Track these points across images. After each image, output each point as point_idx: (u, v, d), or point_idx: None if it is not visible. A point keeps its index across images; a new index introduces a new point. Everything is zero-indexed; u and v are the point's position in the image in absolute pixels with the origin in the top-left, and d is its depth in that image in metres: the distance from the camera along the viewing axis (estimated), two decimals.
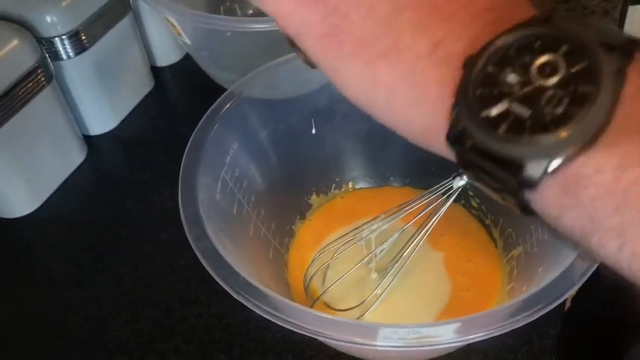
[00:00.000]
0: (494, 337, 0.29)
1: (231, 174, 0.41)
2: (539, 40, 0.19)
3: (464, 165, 0.21)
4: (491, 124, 0.19)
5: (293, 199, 0.49)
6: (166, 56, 0.66)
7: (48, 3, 0.51)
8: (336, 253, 0.44)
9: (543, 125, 0.18)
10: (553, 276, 0.31)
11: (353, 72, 0.23)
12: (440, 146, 0.22)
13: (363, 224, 0.44)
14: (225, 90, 0.43)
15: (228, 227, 0.38)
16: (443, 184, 0.41)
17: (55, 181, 0.55)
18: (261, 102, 0.44)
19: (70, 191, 0.55)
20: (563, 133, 0.18)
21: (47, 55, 0.51)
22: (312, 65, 0.31)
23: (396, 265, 0.42)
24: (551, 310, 0.30)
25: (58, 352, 0.44)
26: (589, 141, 0.18)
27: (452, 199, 0.41)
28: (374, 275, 0.45)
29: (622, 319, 0.41)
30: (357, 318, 0.42)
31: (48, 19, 0.51)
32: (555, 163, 0.18)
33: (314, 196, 0.50)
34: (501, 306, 0.31)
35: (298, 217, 0.49)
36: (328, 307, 0.43)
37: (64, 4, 0.52)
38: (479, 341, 0.30)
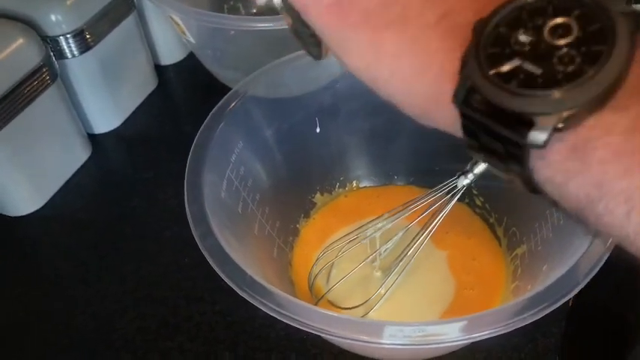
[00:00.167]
0: (498, 335, 0.30)
1: (237, 172, 0.41)
2: (551, 5, 0.19)
3: (468, 130, 0.21)
4: (501, 79, 0.19)
5: (297, 198, 0.49)
6: (170, 55, 0.66)
7: (53, 2, 0.51)
8: (340, 251, 0.44)
9: (555, 81, 0.18)
10: (558, 274, 0.31)
11: (358, 41, 0.23)
12: (443, 115, 0.22)
13: (367, 223, 0.44)
14: (228, 89, 0.43)
15: (233, 225, 0.38)
16: (447, 183, 0.41)
17: (60, 179, 0.56)
18: (266, 100, 0.45)
19: (74, 189, 0.56)
20: (575, 89, 0.18)
21: (52, 54, 0.51)
22: (316, 56, 0.31)
23: (401, 263, 0.42)
24: (555, 308, 0.30)
25: (63, 349, 0.44)
26: (600, 100, 0.18)
27: (456, 198, 0.41)
28: (378, 274, 0.45)
29: (626, 317, 0.41)
30: (362, 316, 0.42)
31: (53, 17, 0.51)
32: (565, 119, 0.18)
33: (318, 195, 0.50)
34: (507, 304, 0.31)
35: (302, 215, 0.49)
36: (332, 305, 0.43)
37: (68, 2, 0.52)
38: (483, 340, 0.30)
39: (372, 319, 0.42)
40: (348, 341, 0.30)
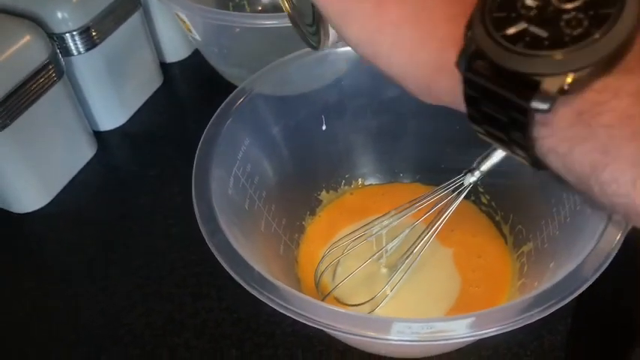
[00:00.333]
0: (505, 332, 0.30)
1: (243, 169, 0.41)
2: None
3: (471, 98, 0.20)
4: (508, 40, 0.19)
5: (303, 195, 0.49)
6: (175, 52, 0.66)
7: None
8: (346, 249, 0.44)
9: (562, 43, 0.18)
10: (566, 271, 0.31)
11: (361, 11, 0.23)
12: (445, 85, 0.22)
13: (373, 220, 0.44)
14: (234, 86, 0.43)
15: (240, 222, 0.38)
16: (454, 181, 0.41)
17: (66, 176, 0.56)
18: (272, 98, 0.45)
19: (80, 186, 0.56)
20: (581, 50, 0.18)
21: (58, 51, 0.52)
22: (314, 46, 0.31)
23: (407, 261, 0.42)
24: (561, 306, 0.30)
25: (71, 345, 0.44)
26: (607, 63, 0.17)
27: (463, 196, 0.41)
28: (384, 271, 0.45)
29: (632, 314, 0.41)
30: (368, 313, 0.42)
31: (59, 14, 0.52)
32: (571, 81, 0.18)
33: (324, 192, 0.50)
34: (515, 301, 0.31)
35: (308, 213, 0.49)
36: (339, 302, 0.43)
37: (75, 0, 0.52)
38: (489, 337, 0.30)
39: (379, 315, 0.42)
40: (356, 337, 0.31)
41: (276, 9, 0.63)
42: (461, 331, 0.30)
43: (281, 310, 0.31)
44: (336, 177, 0.50)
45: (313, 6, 0.28)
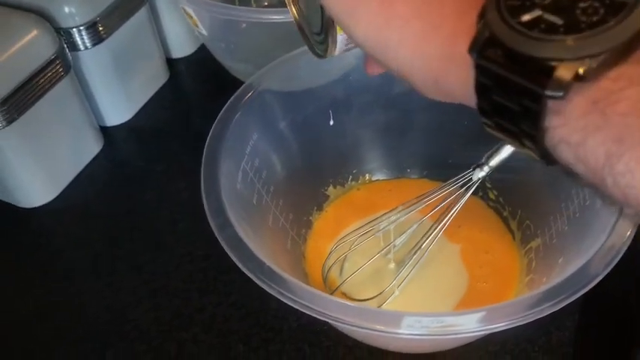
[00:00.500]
0: (512, 328, 0.29)
1: (252, 164, 0.41)
2: None
3: (482, 88, 0.20)
4: (523, 26, 0.19)
5: (310, 190, 0.49)
6: (181, 48, 0.66)
7: None
8: (353, 244, 0.44)
9: (578, 29, 0.18)
10: (576, 266, 0.31)
11: (368, 8, 0.23)
12: (454, 77, 0.21)
13: (380, 216, 0.44)
14: (239, 82, 0.43)
15: (249, 216, 0.38)
16: (462, 176, 0.41)
17: (72, 171, 0.56)
18: (280, 93, 0.45)
19: (86, 181, 0.56)
20: (598, 36, 0.17)
21: (65, 46, 0.51)
22: (320, 55, 0.31)
23: (415, 256, 0.42)
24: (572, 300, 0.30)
25: (77, 340, 0.44)
26: (622, 50, 0.17)
27: (471, 191, 0.41)
28: (391, 266, 0.45)
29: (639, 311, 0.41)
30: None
31: (66, 9, 0.52)
32: (587, 67, 0.17)
33: (331, 188, 0.50)
34: (525, 296, 0.31)
35: (315, 208, 0.49)
36: (346, 297, 0.43)
37: None
38: (497, 332, 0.30)
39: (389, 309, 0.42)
40: (366, 331, 0.30)
41: (282, 4, 0.63)
42: (471, 325, 0.30)
43: (291, 304, 0.31)
44: (343, 172, 0.50)
45: (322, 12, 0.28)
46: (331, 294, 0.43)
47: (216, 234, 0.34)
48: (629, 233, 0.32)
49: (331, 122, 0.47)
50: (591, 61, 0.17)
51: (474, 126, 0.43)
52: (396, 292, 0.42)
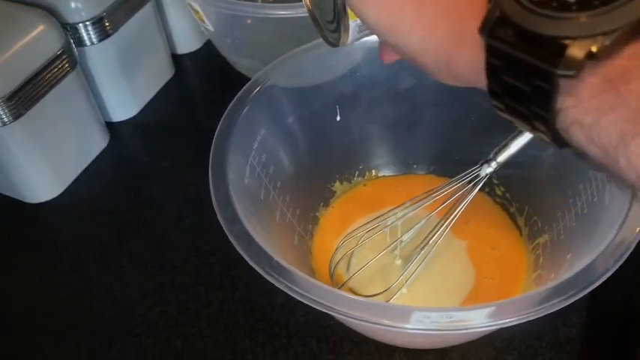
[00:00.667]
0: (519, 324, 0.29)
1: (259, 159, 0.41)
2: None
3: (492, 69, 0.20)
4: (534, 4, 0.18)
5: (317, 186, 0.49)
6: (187, 44, 0.66)
7: None
8: (360, 240, 0.44)
9: (591, 6, 0.17)
10: (586, 262, 0.31)
11: None
12: (465, 58, 0.21)
13: (387, 212, 0.44)
14: (245, 78, 0.43)
15: (256, 211, 0.38)
16: (469, 172, 0.41)
17: (79, 166, 0.56)
18: (287, 89, 0.44)
19: (92, 177, 0.56)
20: (611, 13, 0.17)
21: (72, 41, 0.51)
22: (333, 43, 0.31)
23: (422, 252, 0.42)
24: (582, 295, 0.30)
25: (85, 335, 0.44)
26: (636, 28, 0.17)
27: (479, 187, 0.41)
28: (398, 262, 0.45)
29: None
30: None
31: (72, 4, 0.51)
32: (600, 44, 0.17)
33: (337, 184, 0.50)
34: (535, 291, 0.31)
35: (322, 204, 0.49)
36: (353, 293, 0.43)
37: None
38: (504, 328, 0.30)
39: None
40: (374, 326, 0.30)
41: None
42: (480, 320, 0.30)
43: (300, 299, 0.31)
44: (350, 168, 0.50)
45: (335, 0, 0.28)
46: (338, 290, 0.43)
47: (225, 229, 0.34)
48: (639, 229, 0.31)
49: (338, 118, 0.47)
50: (604, 38, 0.17)
51: (482, 122, 0.43)
52: (404, 289, 0.42)
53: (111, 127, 0.59)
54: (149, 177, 0.56)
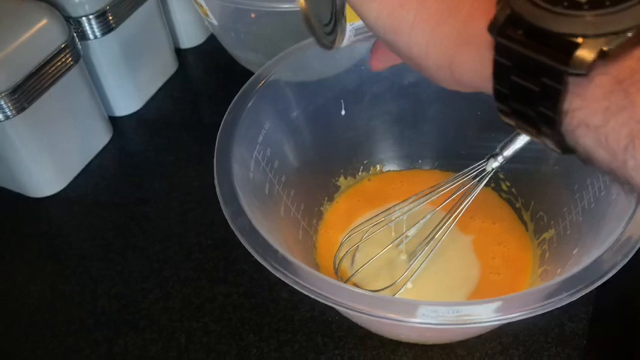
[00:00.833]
0: (525, 319, 0.29)
1: (263, 154, 0.41)
2: None
3: (499, 70, 0.20)
4: (546, 2, 0.18)
5: (321, 181, 0.48)
6: (190, 38, 0.66)
7: None
8: (365, 234, 0.43)
9: (602, 5, 0.17)
10: (593, 257, 0.31)
11: None
12: (470, 60, 0.21)
13: (392, 206, 0.44)
14: (248, 72, 0.43)
15: (261, 206, 0.38)
16: (475, 167, 0.41)
17: (82, 161, 0.56)
18: (292, 83, 0.44)
19: (96, 172, 0.56)
20: (623, 12, 0.17)
21: (75, 35, 0.51)
22: (327, 46, 0.30)
23: (427, 247, 0.42)
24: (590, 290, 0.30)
25: (88, 330, 0.44)
26: None
27: (485, 182, 0.40)
28: (403, 258, 0.45)
29: None
30: None
31: None
32: (612, 43, 0.17)
33: (342, 178, 0.50)
34: (542, 285, 0.30)
35: (326, 198, 0.49)
36: (358, 288, 0.43)
37: None
38: (509, 324, 0.30)
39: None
40: (380, 320, 0.30)
41: None
42: (487, 315, 0.29)
43: (306, 293, 0.30)
44: (355, 163, 0.50)
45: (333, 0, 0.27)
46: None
47: (230, 223, 0.34)
48: None
49: (343, 112, 0.47)
50: (616, 37, 0.17)
51: (487, 117, 0.43)
52: (409, 284, 0.42)
53: (114, 121, 0.59)
54: (152, 171, 0.55)
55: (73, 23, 0.52)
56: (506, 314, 0.29)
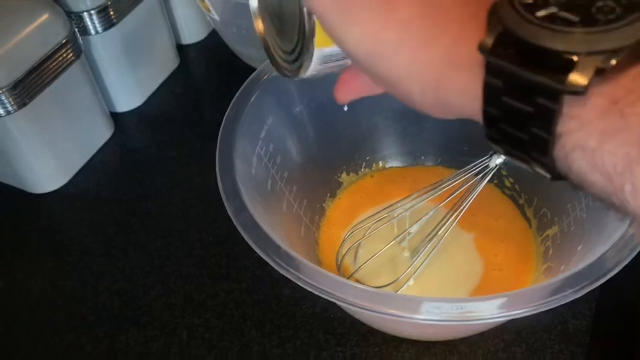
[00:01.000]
0: (528, 316, 0.29)
1: (266, 149, 0.41)
2: None
3: (490, 92, 0.19)
4: (540, 19, 0.18)
5: (324, 177, 0.48)
6: (192, 34, 0.66)
7: None
8: (367, 231, 0.43)
9: (595, 23, 0.17)
10: (599, 253, 0.30)
11: (368, 8, 0.21)
12: (457, 83, 0.20)
13: (394, 203, 0.44)
14: (250, 68, 0.43)
15: (263, 201, 0.38)
16: (478, 163, 0.41)
17: (83, 157, 0.56)
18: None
19: (97, 167, 0.56)
20: (619, 29, 0.17)
21: (76, 30, 0.51)
22: (290, 74, 0.28)
23: (430, 244, 0.42)
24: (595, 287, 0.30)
25: (90, 326, 0.44)
26: None
27: (488, 178, 0.40)
28: (406, 254, 0.45)
29: None
30: None
31: None
32: (608, 61, 0.17)
33: (344, 175, 0.49)
34: (547, 282, 0.30)
35: (328, 195, 0.48)
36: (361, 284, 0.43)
37: None
38: (512, 321, 0.29)
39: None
40: (384, 317, 0.30)
41: None
42: (491, 311, 0.29)
43: (309, 289, 0.30)
44: (357, 159, 0.50)
45: (300, 22, 0.25)
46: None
47: (232, 218, 0.33)
48: None
49: (345, 108, 0.46)
50: (613, 55, 0.17)
51: None
52: (411, 281, 0.42)
53: (115, 117, 0.59)
54: (154, 167, 0.55)
55: (74, 18, 0.52)
56: (511, 311, 0.29)
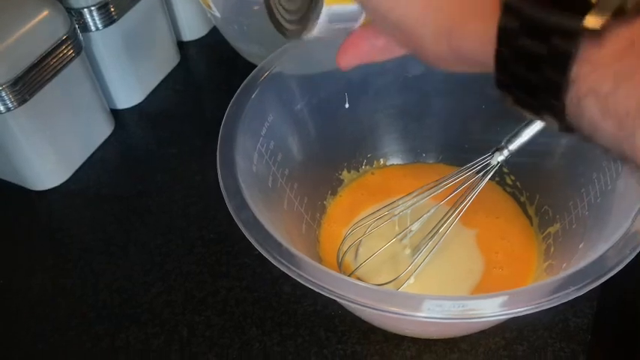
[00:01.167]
0: (530, 315, 0.29)
1: (267, 146, 0.40)
2: None
3: (505, 35, 0.19)
4: None
5: (324, 174, 0.48)
6: (192, 31, 0.66)
7: None
8: (368, 228, 0.43)
9: None
10: (601, 250, 0.30)
11: None
12: (470, 28, 0.20)
13: (395, 200, 0.44)
14: (251, 65, 0.43)
15: (264, 199, 0.38)
16: (480, 160, 0.40)
17: (83, 153, 0.55)
18: (295, 75, 0.44)
19: (97, 164, 0.55)
20: None
21: (76, 27, 0.51)
22: (290, 34, 0.28)
23: (431, 242, 0.42)
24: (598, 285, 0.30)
25: (90, 323, 0.44)
26: None
27: (489, 176, 0.40)
28: (407, 252, 0.44)
29: None
30: None
31: None
32: (627, 2, 0.16)
33: (345, 172, 0.49)
34: (549, 280, 0.30)
35: (329, 192, 0.48)
36: (362, 282, 0.43)
37: None
38: (514, 319, 0.29)
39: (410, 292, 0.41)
40: (385, 314, 0.30)
41: None
42: (493, 309, 0.29)
43: (310, 286, 0.30)
44: (358, 156, 0.49)
45: None
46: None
47: (233, 215, 0.33)
48: None
49: (347, 105, 0.46)
50: None
51: (492, 110, 0.42)
52: (412, 278, 0.42)
53: (116, 114, 0.59)
54: (155, 164, 0.55)
55: (74, 15, 0.52)
56: (512, 309, 0.29)
